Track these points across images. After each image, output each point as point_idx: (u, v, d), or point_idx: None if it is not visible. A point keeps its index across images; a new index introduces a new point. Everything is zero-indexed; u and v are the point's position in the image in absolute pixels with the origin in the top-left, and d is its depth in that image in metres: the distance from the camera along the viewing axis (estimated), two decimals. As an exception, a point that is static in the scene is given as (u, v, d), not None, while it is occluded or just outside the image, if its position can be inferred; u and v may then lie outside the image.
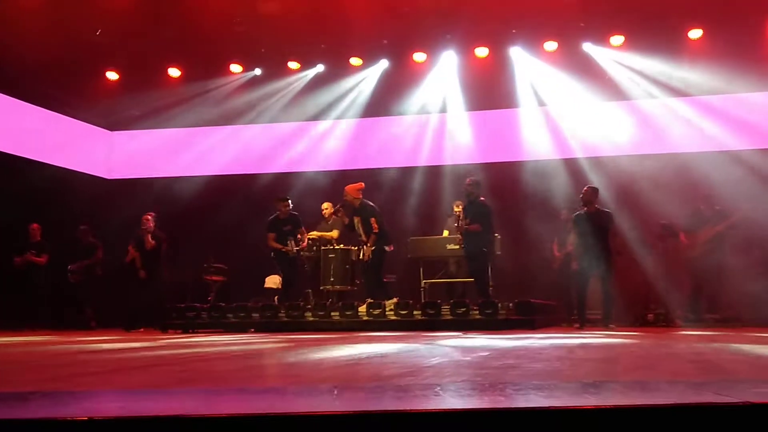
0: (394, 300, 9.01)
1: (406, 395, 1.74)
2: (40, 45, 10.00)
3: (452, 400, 1.66)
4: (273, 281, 10.91)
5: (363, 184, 9.78)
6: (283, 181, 12.52)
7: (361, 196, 9.58)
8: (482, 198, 9.30)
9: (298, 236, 10.02)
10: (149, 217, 10.66)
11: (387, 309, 8.83)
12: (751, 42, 10.69)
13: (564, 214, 10.73)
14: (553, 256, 10.87)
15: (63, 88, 12.07)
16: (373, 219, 9.36)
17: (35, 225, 11.31)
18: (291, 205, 10.09)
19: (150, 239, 10.52)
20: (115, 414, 1.39)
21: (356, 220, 9.49)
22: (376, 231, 9.32)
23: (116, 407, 1.69)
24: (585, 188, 9.28)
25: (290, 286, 10.05)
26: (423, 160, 12.86)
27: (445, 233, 10.60)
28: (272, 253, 9.97)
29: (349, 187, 9.60)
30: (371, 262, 9.36)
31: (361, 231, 9.47)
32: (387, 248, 9.47)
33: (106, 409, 1.66)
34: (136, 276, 10.53)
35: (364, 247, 9.48)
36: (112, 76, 12.27)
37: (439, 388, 1.97)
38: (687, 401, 1.45)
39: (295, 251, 9.89)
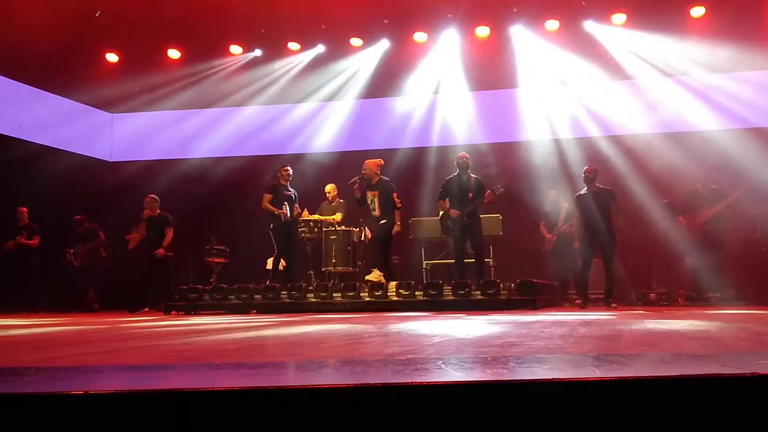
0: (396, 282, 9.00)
1: (408, 368, 1.72)
2: (39, 27, 9.95)
3: (455, 374, 1.64)
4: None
5: (382, 160, 9.76)
6: (283, 163, 12.46)
7: (379, 172, 9.55)
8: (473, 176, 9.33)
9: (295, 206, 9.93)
10: (149, 198, 10.56)
11: (389, 290, 8.83)
12: (754, 20, 10.61)
13: (553, 195, 10.71)
14: (542, 238, 10.84)
15: (63, 71, 12.02)
16: (395, 194, 9.34)
17: (23, 208, 11.22)
18: (291, 172, 10.01)
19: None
20: (112, 388, 1.37)
21: (371, 194, 9.43)
22: (400, 206, 9.34)
23: (113, 382, 1.67)
24: (587, 167, 9.28)
25: (285, 256, 9.78)
26: (421, 141, 12.81)
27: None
28: (270, 225, 9.81)
29: (369, 162, 9.56)
30: (381, 235, 9.32)
31: (376, 206, 9.41)
32: (397, 225, 9.45)
33: (104, 384, 1.64)
34: (144, 257, 10.45)
35: (365, 229, 9.46)
36: (112, 58, 12.21)
37: (441, 362, 1.95)
38: (694, 373, 1.43)
39: (288, 216, 9.72)
